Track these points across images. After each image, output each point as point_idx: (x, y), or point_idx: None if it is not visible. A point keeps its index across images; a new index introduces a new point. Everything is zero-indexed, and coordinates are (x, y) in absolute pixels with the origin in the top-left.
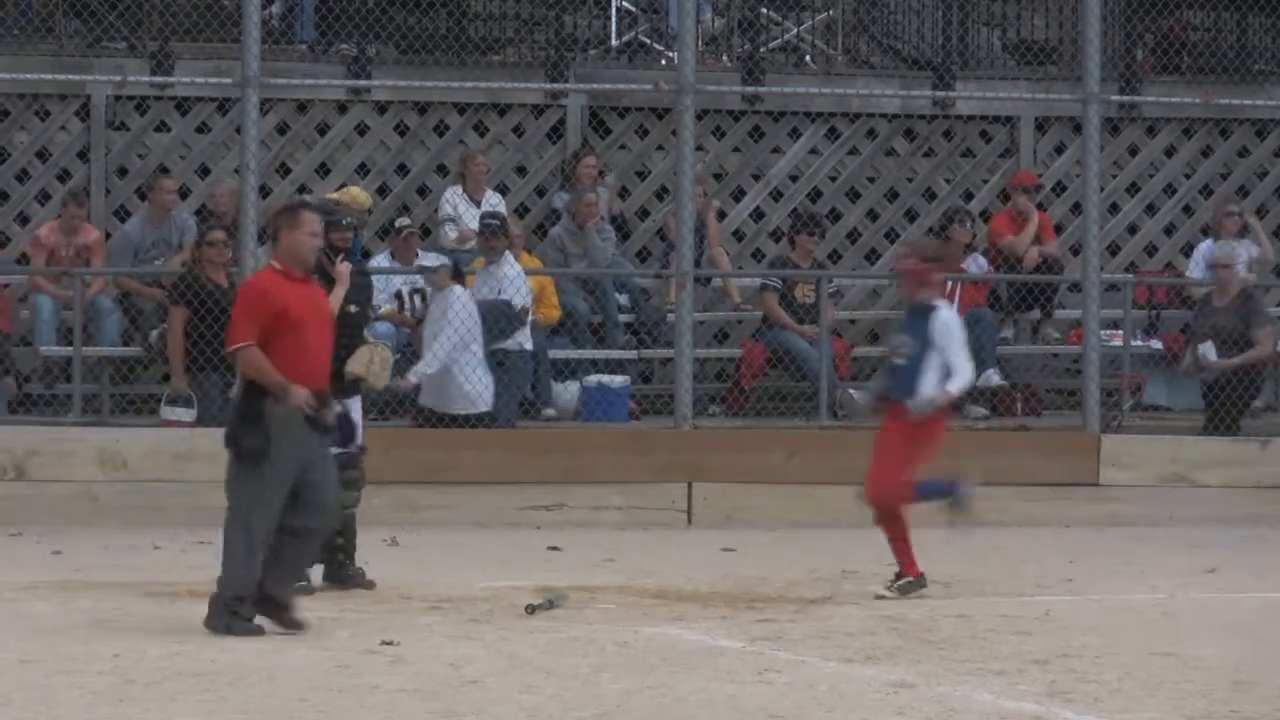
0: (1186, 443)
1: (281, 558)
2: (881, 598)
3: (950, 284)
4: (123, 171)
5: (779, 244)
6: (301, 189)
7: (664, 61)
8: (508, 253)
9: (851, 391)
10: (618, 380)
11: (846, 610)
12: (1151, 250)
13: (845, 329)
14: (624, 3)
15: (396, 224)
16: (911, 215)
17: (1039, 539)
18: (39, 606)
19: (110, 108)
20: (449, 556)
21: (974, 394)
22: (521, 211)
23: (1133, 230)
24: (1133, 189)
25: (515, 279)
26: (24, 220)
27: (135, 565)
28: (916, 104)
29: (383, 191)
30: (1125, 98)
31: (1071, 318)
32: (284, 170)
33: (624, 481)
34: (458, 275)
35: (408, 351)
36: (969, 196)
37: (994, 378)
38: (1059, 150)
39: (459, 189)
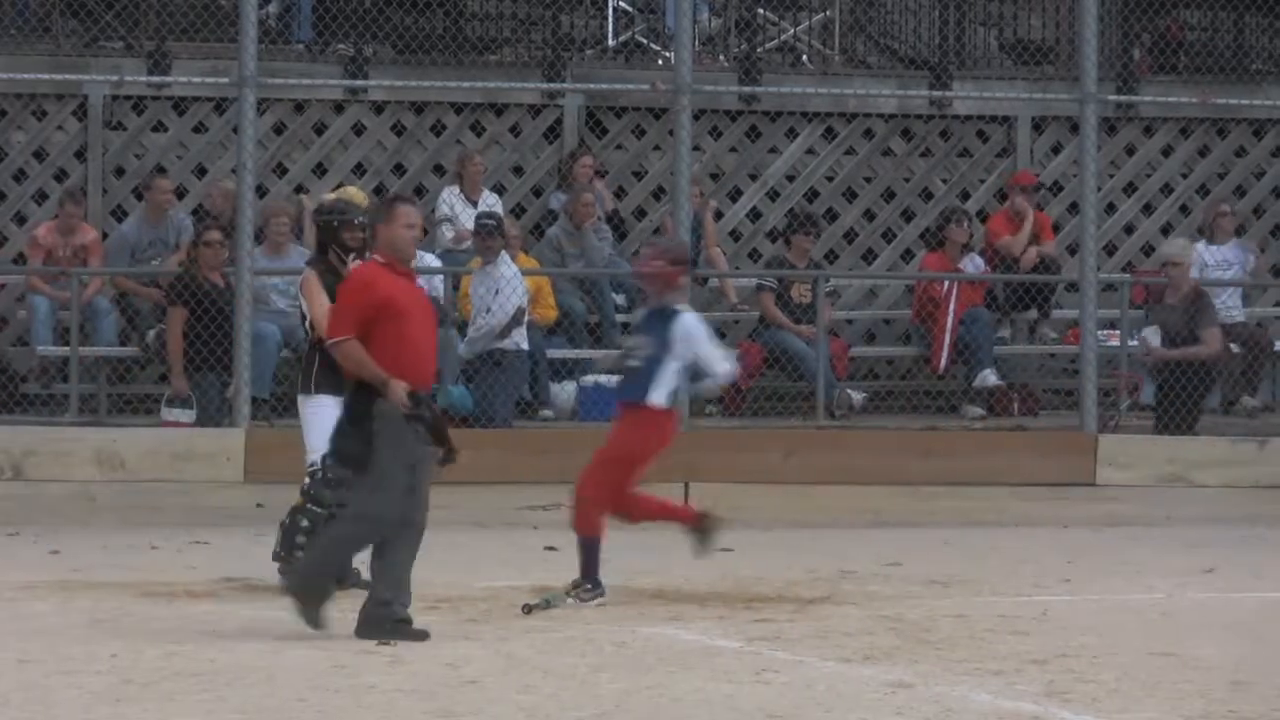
0: (1184, 443)
1: (319, 543)
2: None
3: (946, 284)
4: (120, 171)
5: (776, 244)
6: (298, 189)
7: (661, 61)
8: (504, 253)
9: (850, 393)
10: (615, 380)
11: (844, 610)
12: (1148, 250)
13: (842, 329)
14: (621, 3)
15: None
16: (908, 215)
17: (1036, 539)
18: (37, 606)
19: (107, 107)
20: (446, 556)
21: (971, 394)
22: (518, 211)
23: (1130, 230)
24: (1130, 189)
25: (511, 279)
26: (21, 220)
27: (133, 565)
28: (913, 104)
29: (380, 191)
30: (1122, 97)
31: (1069, 318)
32: (281, 170)
33: None
34: None
35: None
36: (966, 196)
37: (991, 378)
38: (1056, 150)
39: (456, 189)
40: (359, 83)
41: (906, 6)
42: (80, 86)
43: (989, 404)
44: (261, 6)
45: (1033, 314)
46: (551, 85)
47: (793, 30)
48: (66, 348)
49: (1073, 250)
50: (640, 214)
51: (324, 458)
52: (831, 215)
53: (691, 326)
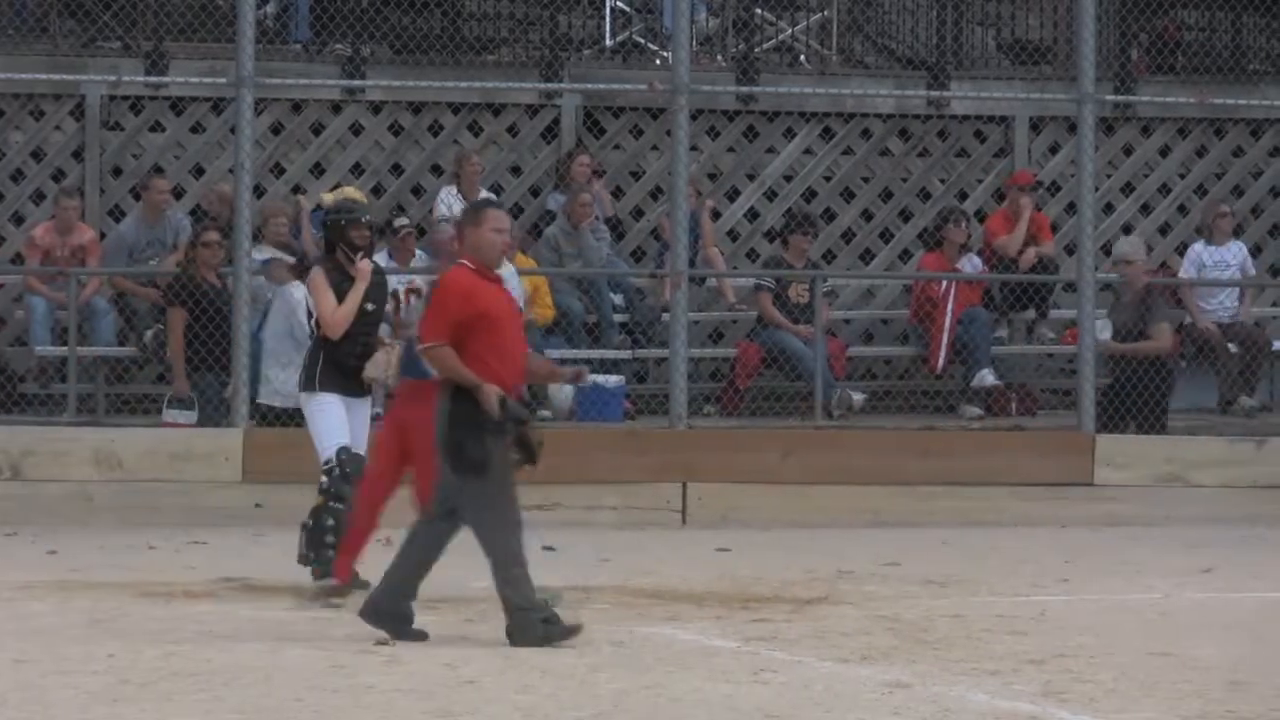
0: (1182, 443)
1: (420, 556)
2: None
3: (944, 284)
4: (117, 171)
5: (773, 244)
6: (296, 189)
7: (658, 61)
8: None
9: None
10: (612, 380)
11: (842, 610)
12: (1145, 250)
13: (840, 329)
14: (618, 3)
15: (394, 224)
16: (906, 215)
17: (1035, 539)
18: (35, 606)
19: (105, 107)
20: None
21: (969, 394)
22: (516, 211)
23: (1127, 230)
24: (1127, 189)
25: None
26: (19, 220)
27: (131, 565)
28: (911, 104)
29: (377, 191)
30: (1120, 97)
31: (1066, 318)
32: (278, 170)
33: (619, 481)
34: (297, 270)
35: None
36: (964, 196)
37: (989, 378)
38: (1053, 150)
39: (453, 189)
40: (356, 83)
41: (904, 6)
42: (78, 86)
43: (987, 404)
44: (259, 6)
45: (1031, 314)
46: (549, 85)
47: (790, 30)
48: (64, 348)
49: (1070, 250)
50: (638, 214)
51: (339, 453)
52: (829, 215)
53: None
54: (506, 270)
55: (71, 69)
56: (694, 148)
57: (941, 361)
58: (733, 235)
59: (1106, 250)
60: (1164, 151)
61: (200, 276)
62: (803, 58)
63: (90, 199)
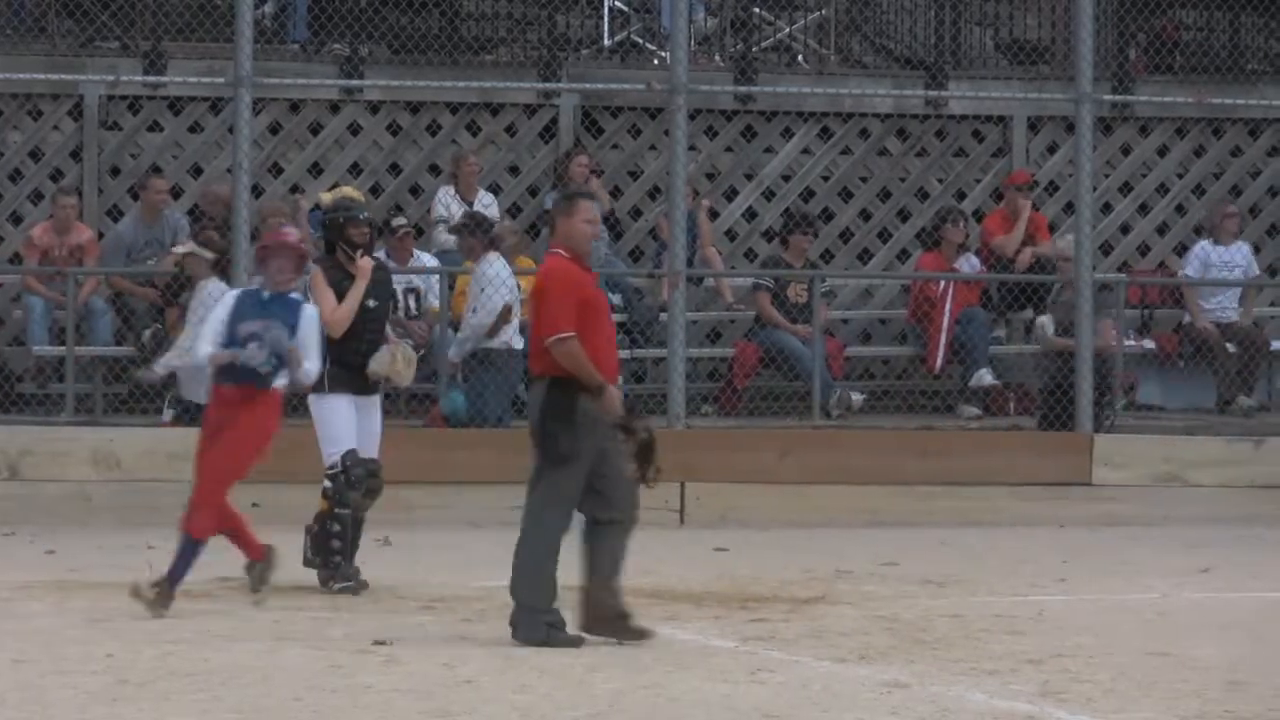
0: (1180, 442)
1: (598, 561)
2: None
3: (942, 284)
4: (115, 171)
5: (771, 243)
6: (294, 189)
7: (656, 61)
8: (493, 252)
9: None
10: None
11: (840, 610)
12: (1144, 250)
13: (838, 328)
14: (616, 2)
15: (393, 223)
16: (904, 215)
17: (1033, 539)
18: (33, 606)
19: (103, 107)
20: (442, 556)
21: (967, 394)
22: (514, 211)
23: (1125, 230)
24: (1125, 188)
25: (495, 279)
26: (17, 220)
27: (130, 565)
28: (909, 103)
29: (375, 191)
30: (1118, 97)
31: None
32: (276, 170)
33: None
34: (218, 267)
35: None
36: (962, 196)
37: (987, 377)
38: (1051, 150)
39: (451, 189)
40: (354, 82)
41: (902, 6)
42: (76, 86)
43: (985, 404)
44: (257, 6)
45: (1029, 314)
46: (547, 85)
47: (788, 30)
48: (62, 347)
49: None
50: (636, 214)
51: (344, 458)
52: (827, 215)
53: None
54: (491, 269)
55: (70, 69)
56: (692, 147)
57: (940, 361)
58: (731, 235)
59: (1105, 250)
60: (1162, 151)
61: (198, 276)
62: (801, 57)
63: (88, 199)
